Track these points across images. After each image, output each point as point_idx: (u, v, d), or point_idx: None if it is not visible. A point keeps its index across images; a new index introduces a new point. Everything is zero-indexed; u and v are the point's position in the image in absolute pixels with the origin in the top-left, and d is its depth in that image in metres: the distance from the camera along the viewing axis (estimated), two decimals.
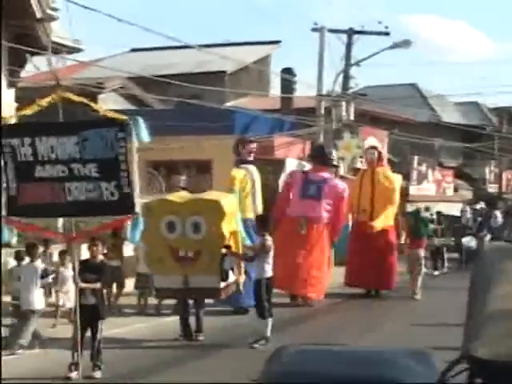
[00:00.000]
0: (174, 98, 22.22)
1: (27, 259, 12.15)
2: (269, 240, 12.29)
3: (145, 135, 8.81)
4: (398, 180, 18.95)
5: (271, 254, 12.29)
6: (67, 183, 9.09)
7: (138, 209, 8.94)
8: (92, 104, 9.19)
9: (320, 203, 16.92)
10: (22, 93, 20.87)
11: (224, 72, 31.45)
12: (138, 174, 8.97)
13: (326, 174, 17.47)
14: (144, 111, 22.27)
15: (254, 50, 33.77)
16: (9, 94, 21.66)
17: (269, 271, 12.24)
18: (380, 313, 15.99)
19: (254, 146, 15.90)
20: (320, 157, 17.73)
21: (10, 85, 21.70)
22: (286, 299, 16.66)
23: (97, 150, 8.88)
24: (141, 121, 8.85)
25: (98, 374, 9.94)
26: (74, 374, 9.67)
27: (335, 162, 19.42)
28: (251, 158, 15.73)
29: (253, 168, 15.72)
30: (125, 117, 8.89)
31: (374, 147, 19.94)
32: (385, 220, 18.07)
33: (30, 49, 16.61)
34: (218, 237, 11.74)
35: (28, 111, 9.32)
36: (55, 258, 14.39)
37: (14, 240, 9.85)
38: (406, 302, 17.43)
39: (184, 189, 14.29)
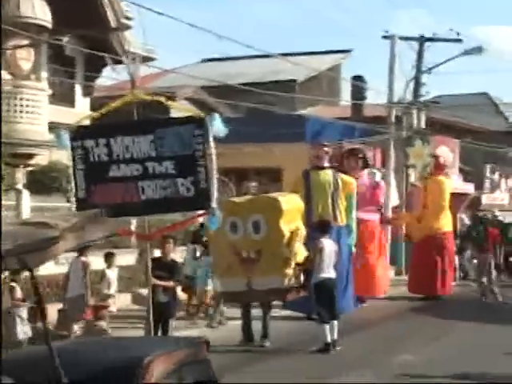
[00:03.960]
0: (245, 103, 22.30)
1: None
2: (322, 243, 12.21)
3: (221, 129, 8.84)
4: (447, 184, 19.28)
5: (325, 256, 12.18)
6: (141, 182, 9.14)
7: (214, 204, 8.92)
8: (169, 102, 9.23)
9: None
10: (97, 103, 21.25)
11: (294, 81, 31.48)
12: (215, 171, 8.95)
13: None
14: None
15: (325, 59, 33.70)
16: (84, 103, 22.13)
17: (326, 273, 12.15)
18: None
19: (319, 151, 15.86)
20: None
21: (85, 94, 22.16)
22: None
23: (173, 147, 8.94)
24: (217, 116, 8.90)
25: None
26: None
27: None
28: (318, 163, 15.73)
29: (317, 173, 15.64)
30: (202, 114, 8.96)
31: (434, 155, 20.44)
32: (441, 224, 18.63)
33: (105, 54, 16.81)
34: (277, 236, 11.58)
35: (102, 111, 9.46)
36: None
37: None
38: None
39: (254, 194, 14.29)
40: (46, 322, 4.59)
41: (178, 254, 13.60)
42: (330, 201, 15.44)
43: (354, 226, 15.67)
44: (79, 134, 9.45)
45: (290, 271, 11.69)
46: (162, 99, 9.21)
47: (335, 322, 12.14)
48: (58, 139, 9.55)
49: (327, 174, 15.66)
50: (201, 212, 9.32)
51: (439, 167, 19.46)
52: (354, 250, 15.71)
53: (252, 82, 26.90)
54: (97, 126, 9.75)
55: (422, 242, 18.72)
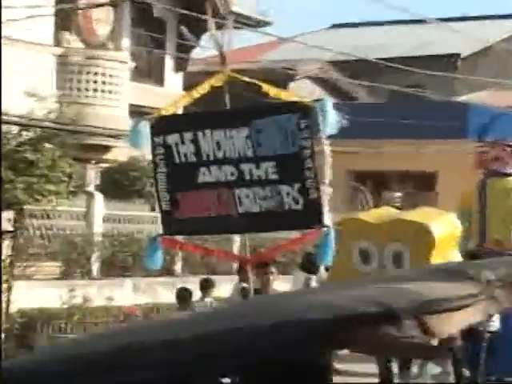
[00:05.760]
0: (388, 86, 22.21)
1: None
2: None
3: (331, 124, 8.65)
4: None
5: None
6: (237, 189, 9.18)
7: (327, 220, 8.85)
8: (268, 88, 9.15)
9: None
10: (193, 80, 21.50)
11: (456, 56, 31.17)
12: (332, 179, 8.79)
13: None
14: (346, 105, 22.46)
15: (498, 26, 33.24)
16: (175, 80, 22.40)
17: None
18: None
19: (501, 151, 15.61)
20: None
21: (178, 68, 22.44)
22: None
23: (274, 144, 8.90)
24: (329, 104, 8.75)
25: None
26: None
27: None
28: (500, 169, 15.47)
29: (498, 182, 15.37)
30: (309, 100, 8.89)
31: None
32: None
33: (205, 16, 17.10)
34: None
35: (185, 100, 9.55)
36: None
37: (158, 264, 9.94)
38: None
39: (398, 208, 14.19)
40: None
41: (283, 285, 13.58)
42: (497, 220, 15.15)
43: None
44: (161, 126, 9.46)
45: None
46: (262, 84, 9.13)
47: None
48: (133, 134, 9.57)
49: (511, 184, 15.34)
50: (309, 231, 9.26)
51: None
52: None
53: (397, 57, 26.74)
54: (180, 117, 9.84)
55: None
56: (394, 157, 21.49)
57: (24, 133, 16.36)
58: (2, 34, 15.68)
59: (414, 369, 13.90)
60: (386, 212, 12.81)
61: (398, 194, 16.33)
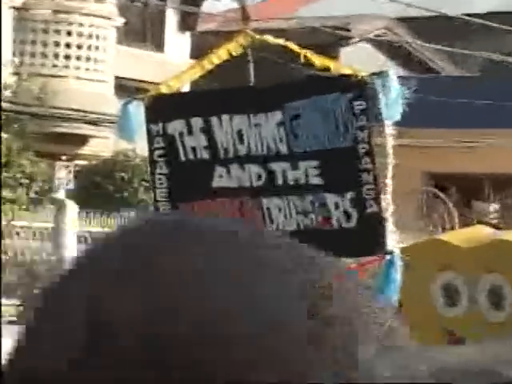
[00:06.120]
0: (478, 52, 22.18)
1: None
2: None
3: (397, 107, 8.62)
4: None
5: None
6: (265, 199, 9.21)
7: (392, 243, 8.71)
8: (309, 55, 9.21)
9: None
10: (204, 43, 21.57)
11: None
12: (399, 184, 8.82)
13: None
14: (420, 80, 22.38)
15: None
16: (180, 44, 22.45)
17: None
18: None
19: None
20: None
21: (184, 27, 22.53)
22: None
23: (317, 136, 8.86)
24: (394, 78, 8.71)
25: None
26: None
27: None
28: None
29: None
30: (364, 73, 8.82)
31: None
32: None
33: None
34: None
35: (193, 72, 9.47)
36: None
37: None
38: None
39: (495, 227, 14.22)
40: None
41: None
42: None
43: None
44: (160, 109, 9.41)
45: None
46: (294, 47, 9.21)
47: None
48: (122, 120, 9.62)
49: None
50: (367, 258, 9.23)
51: None
52: None
53: (492, 12, 26.67)
54: (187, 96, 9.88)
55: None
56: (487, 154, 21.45)
57: None
58: None
59: None
60: (478, 231, 12.72)
61: (494, 206, 16.38)
